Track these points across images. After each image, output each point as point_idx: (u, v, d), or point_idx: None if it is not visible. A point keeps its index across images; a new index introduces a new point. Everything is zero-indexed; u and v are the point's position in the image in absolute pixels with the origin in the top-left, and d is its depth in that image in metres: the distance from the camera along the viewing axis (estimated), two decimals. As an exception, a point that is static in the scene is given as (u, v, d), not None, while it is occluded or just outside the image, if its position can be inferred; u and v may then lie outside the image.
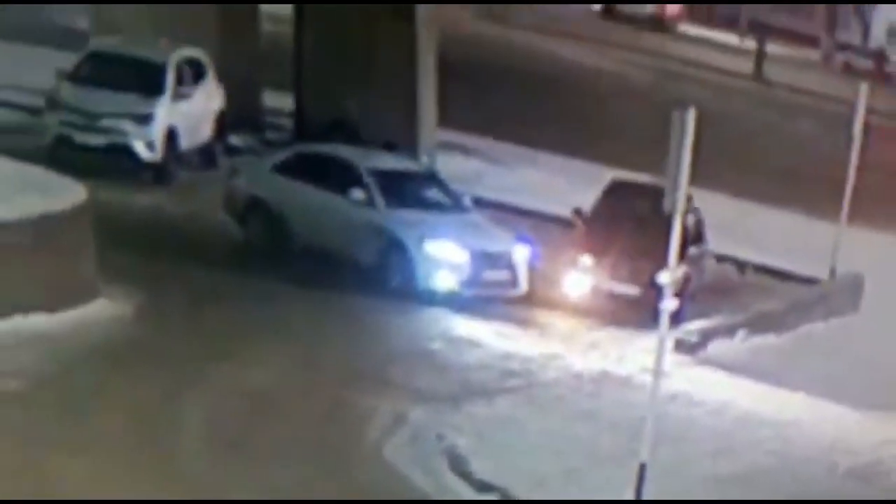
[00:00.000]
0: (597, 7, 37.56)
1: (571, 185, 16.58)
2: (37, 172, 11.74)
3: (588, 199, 14.47)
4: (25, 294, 10.22)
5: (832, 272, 15.68)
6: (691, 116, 8.63)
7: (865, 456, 10.56)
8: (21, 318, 10.02)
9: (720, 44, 34.48)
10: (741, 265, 16.07)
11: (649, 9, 37.30)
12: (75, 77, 15.62)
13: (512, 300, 13.12)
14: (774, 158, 21.37)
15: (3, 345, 9.68)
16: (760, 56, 33.02)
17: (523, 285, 13.19)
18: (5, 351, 9.61)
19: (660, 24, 37.12)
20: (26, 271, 10.28)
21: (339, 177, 13.36)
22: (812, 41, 37.56)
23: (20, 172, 11.54)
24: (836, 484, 9.93)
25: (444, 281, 12.77)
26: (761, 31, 34.41)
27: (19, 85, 17.26)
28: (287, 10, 19.13)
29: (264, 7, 19.36)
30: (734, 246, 15.87)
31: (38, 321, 10.12)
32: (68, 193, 11.24)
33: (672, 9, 37.95)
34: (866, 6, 37.05)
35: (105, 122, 15.21)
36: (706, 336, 12.88)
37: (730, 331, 13.26)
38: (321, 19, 18.19)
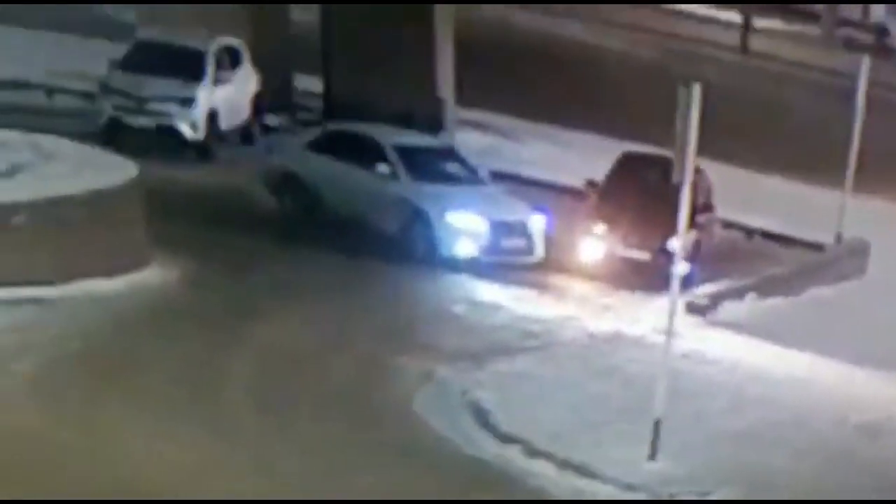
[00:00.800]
0: None
1: (584, 159, 16.27)
2: (93, 152, 11.84)
3: (600, 171, 14.26)
4: (85, 261, 10.30)
5: (838, 237, 15.18)
6: (697, 91, 8.53)
7: (875, 413, 10.24)
8: (82, 283, 10.10)
9: (724, 21, 33.74)
10: (749, 231, 15.68)
11: None
12: (125, 65, 15.71)
13: (529, 266, 13.04)
14: (780, 130, 20.83)
15: (66, 308, 9.76)
16: (746, 29, 32.46)
17: (540, 252, 13.14)
18: (69, 314, 9.69)
19: None
20: (86, 241, 10.37)
21: (366, 152, 13.37)
22: (813, 17, 36.60)
23: (79, 152, 11.64)
24: (846, 439, 9.66)
25: (464, 249, 12.76)
26: (754, 9, 33.66)
27: (76, 73, 17.28)
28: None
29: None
30: (742, 213, 15.48)
31: (96, 286, 10.20)
32: (121, 170, 11.32)
33: None
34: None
35: (153, 106, 15.29)
36: (716, 298, 12.59)
37: (739, 293, 12.95)
38: (346, 6, 18.09)
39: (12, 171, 10.67)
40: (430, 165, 13.62)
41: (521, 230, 13.10)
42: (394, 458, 8.41)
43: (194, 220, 12.59)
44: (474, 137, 17.92)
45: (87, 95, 16.41)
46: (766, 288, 13.39)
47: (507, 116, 19.43)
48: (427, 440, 8.79)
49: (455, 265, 12.69)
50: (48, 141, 11.70)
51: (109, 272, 10.40)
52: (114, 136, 14.23)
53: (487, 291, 12.20)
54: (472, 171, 13.98)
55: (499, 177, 14.77)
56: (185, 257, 11.38)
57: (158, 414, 8.39)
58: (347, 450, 8.41)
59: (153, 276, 10.90)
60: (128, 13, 19.59)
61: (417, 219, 12.83)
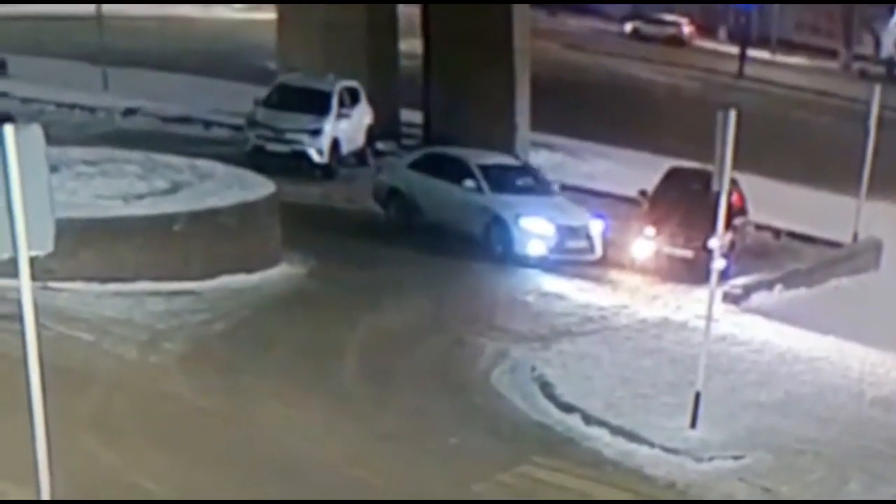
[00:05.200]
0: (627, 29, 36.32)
1: (636, 172, 15.71)
2: (239, 172, 11.82)
3: (650, 183, 13.77)
4: (231, 260, 10.25)
5: (855, 236, 14.53)
6: (732, 116, 8.05)
7: (888, 388, 9.52)
8: (227, 278, 10.06)
9: (755, 58, 32.52)
10: (777, 232, 15.09)
11: (669, 30, 36.08)
12: (267, 103, 15.79)
13: (589, 263, 12.63)
14: (804, 147, 20.02)
15: (213, 298, 9.68)
16: (743, 58, 31.37)
17: (598, 251, 12.73)
18: (215, 302, 9.62)
19: (678, 41, 35.64)
20: (232, 243, 10.32)
21: (456, 170, 13.15)
22: (833, 53, 35.42)
23: (228, 173, 11.65)
24: (862, 410, 9.01)
25: (535, 248, 12.43)
26: (787, 47, 32.79)
27: (229, 110, 17.53)
28: (418, 48, 18.95)
29: (401, 47, 19.21)
30: (771, 217, 14.86)
31: (239, 279, 10.15)
32: (261, 187, 11.26)
33: (688, 29, 36.55)
34: (876, 25, 34.91)
35: (288, 136, 15.33)
36: (749, 289, 12.02)
37: (769, 285, 12.34)
38: (442, 55, 18.00)
39: (175, 188, 10.71)
40: (507, 180, 13.32)
41: (583, 233, 12.73)
42: (475, 421, 8.07)
43: (318, 227, 12.51)
44: (545, 156, 17.68)
45: (236, 127, 16.57)
46: (791, 280, 12.77)
47: (572, 139, 19.05)
48: (502, 408, 8.44)
49: (527, 262, 12.36)
50: (204, 164, 11.74)
51: (249, 269, 10.34)
52: (256, 160, 14.23)
53: (554, 284, 11.80)
54: (543, 184, 13.64)
55: (565, 188, 14.41)
56: (309, 256, 11.27)
57: (286, 383, 8.22)
58: (439, 414, 8.11)
59: (284, 271, 10.79)
60: (270, 63, 19.85)
61: (496, 224, 12.55)
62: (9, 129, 4.58)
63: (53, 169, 5.09)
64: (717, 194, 8.21)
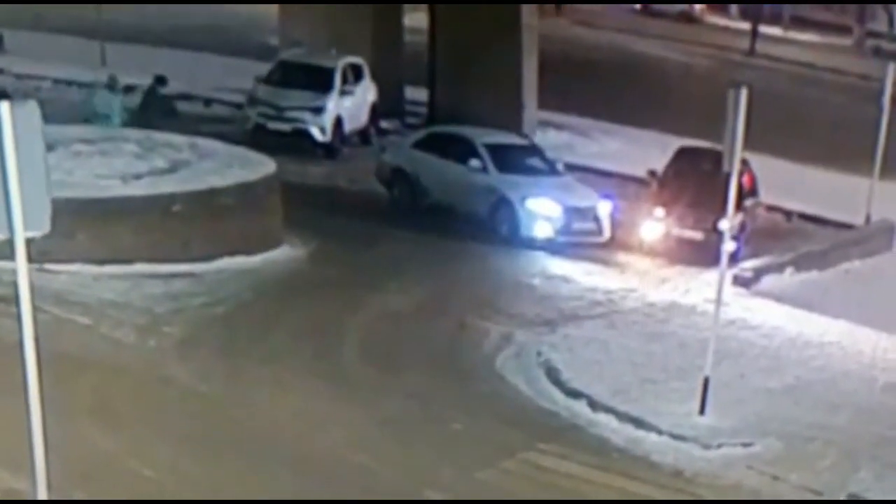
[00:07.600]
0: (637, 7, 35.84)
1: (645, 152, 15.60)
2: (240, 151, 11.74)
3: (659, 162, 13.66)
4: (231, 241, 10.20)
5: (867, 218, 14.41)
6: (744, 94, 7.92)
7: (901, 373, 9.46)
8: (227, 260, 10.02)
9: (767, 35, 32.19)
10: (788, 213, 15.00)
11: (680, 6, 35.64)
12: (268, 80, 15.71)
13: (597, 245, 12.55)
14: (816, 126, 19.86)
15: (213, 280, 9.65)
16: (755, 35, 31.01)
17: (606, 233, 12.65)
18: (215, 285, 9.58)
19: (689, 18, 35.24)
20: (232, 224, 10.27)
21: (461, 150, 13.06)
22: (846, 30, 35.04)
23: (229, 151, 11.57)
24: (874, 396, 8.94)
25: (542, 230, 12.35)
26: (800, 24, 32.34)
27: (229, 87, 17.42)
28: (423, 23, 18.76)
29: (406, 22, 19.04)
30: (782, 198, 14.76)
31: (239, 261, 10.10)
32: (262, 166, 11.18)
33: (699, 5, 36.13)
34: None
35: (290, 114, 15.24)
36: (759, 272, 11.93)
37: (779, 267, 12.25)
38: (448, 30, 17.84)
39: (174, 167, 10.65)
40: (513, 160, 13.22)
41: (591, 214, 12.64)
42: (479, 407, 8.05)
43: (320, 207, 12.44)
44: (553, 135, 17.55)
45: (237, 105, 16.48)
46: (803, 263, 12.65)
47: (581, 117, 18.92)
48: (506, 393, 8.40)
49: (533, 244, 12.29)
50: (204, 142, 11.68)
51: (249, 250, 10.29)
52: (258, 138, 14.15)
53: (560, 266, 11.73)
54: (550, 164, 13.54)
55: (572, 168, 14.33)
56: (311, 237, 11.21)
57: (287, 368, 8.19)
58: (442, 400, 8.08)
59: (285, 253, 10.74)
60: (272, 38, 19.69)
61: (502, 205, 12.47)
62: (5, 106, 4.52)
63: (50, 147, 5.04)
64: (728, 175, 8.14)
